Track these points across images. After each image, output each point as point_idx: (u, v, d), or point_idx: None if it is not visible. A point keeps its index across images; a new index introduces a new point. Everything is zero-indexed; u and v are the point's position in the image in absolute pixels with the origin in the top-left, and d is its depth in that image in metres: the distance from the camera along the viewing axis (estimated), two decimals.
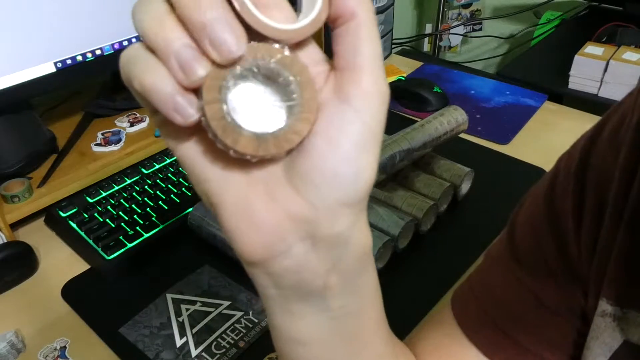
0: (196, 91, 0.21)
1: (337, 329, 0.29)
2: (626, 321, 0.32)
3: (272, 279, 0.26)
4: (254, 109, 0.22)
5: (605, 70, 1.03)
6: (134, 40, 0.82)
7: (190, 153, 0.24)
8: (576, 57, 1.05)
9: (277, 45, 0.22)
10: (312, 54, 0.24)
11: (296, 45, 0.23)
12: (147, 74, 0.21)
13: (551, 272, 0.37)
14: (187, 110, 0.21)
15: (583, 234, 0.35)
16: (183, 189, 0.77)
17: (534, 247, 0.39)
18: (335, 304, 0.28)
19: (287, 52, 0.22)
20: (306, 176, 0.23)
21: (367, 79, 0.23)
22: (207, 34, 0.20)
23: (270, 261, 0.25)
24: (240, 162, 0.23)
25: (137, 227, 0.70)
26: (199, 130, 0.23)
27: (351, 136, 0.23)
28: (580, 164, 0.36)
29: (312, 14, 0.22)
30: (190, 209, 0.71)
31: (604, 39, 1.14)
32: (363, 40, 0.23)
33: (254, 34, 0.21)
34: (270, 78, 0.22)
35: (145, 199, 0.75)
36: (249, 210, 0.24)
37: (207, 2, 0.20)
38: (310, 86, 0.23)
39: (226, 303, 0.61)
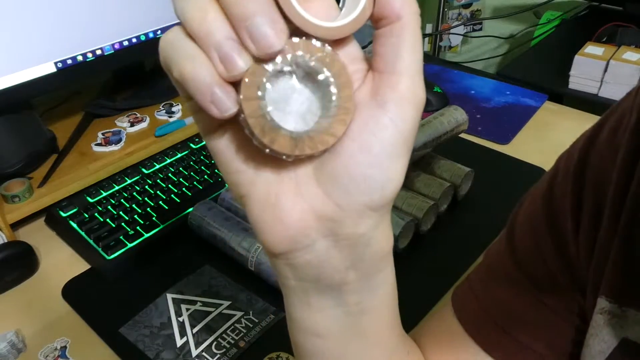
0: (235, 85, 0.21)
1: (352, 324, 0.30)
2: (625, 319, 0.32)
3: (293, 271, 0.27)
4: (291, 106, 0.22)
5: (606, 70, 1.03)
6: (134, 40, 0.82)
7: (222, 144, 0.24)
8: (576, 57, 1.05)
9: (317, 43, 0.21)
10: (351, 51, 0.23)
11: (336, 42, 0.23)
12: (187, 62, 0.21)
13: (550, 271, 0.37)
14: (225, 103, 0.21)
15: (581, 234, 0.35)
16: (183, 189, 0.77)
17: (533, 247, 0.39)
18: (351, 299, 0.28)
19: (327, 50, 0.22)
20: (335, 177, 0.23)
21: (405, 85, 0.22)
22: (247, 27, 0.20)
23: (292, 254, 0.25)
24: (274, 158, 0.23)
25: (138, 227, 0.70)
26: (234, 123, 0.23)
27: (384, 141, 0.23)
28: (579, 164, 0.36)
29: (355, 12, 0.22)
30: (190, 209, 0.71)
31: (604, 39, 1.14)
32: (405, 45, 0.22)
33: (296, 30, 0.21)
34: (309, 76, 0.22)
35: (146, 198, 0.75)
36: (276, 204, 0.24)
37: None
38: (349, 87, 0.22)
39: (226, 303, 0.61)
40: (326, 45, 0.22)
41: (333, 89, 0.22)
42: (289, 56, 0.21)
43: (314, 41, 0.21)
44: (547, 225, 0.38)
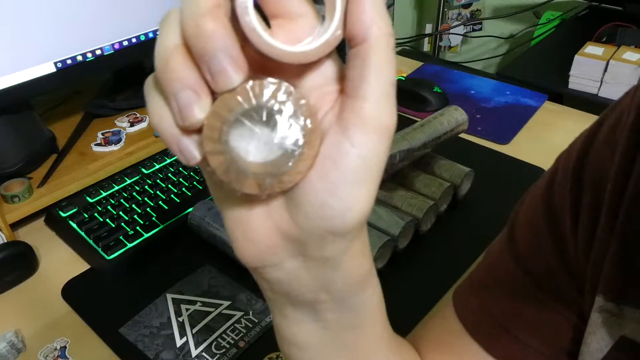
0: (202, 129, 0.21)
1: (333, 339, 0.30)
2: (622, 317, 0.32)
3: (267, 285, 0.27)
4: (256, 146, 0.22)
5: (605, 70, 1.03)
6: (134, 40, 0.82)
7: (203, 169, 0.25)
8: (576, 57, 1.05)
9: (276, 82, 0.21)
10: (325, 72, 0.23)
11: (308, 64, 0.22)
12: (153, 114, 0.21)
13: (550, 270, 0.38)
14: (190, 153, 0.21)
15: (580, 232, 0.35)
16: (183, 189, 0.77)
17: (533, 246, 0.39)
18: (328, 316, 0.28)
19: (288, 88, 0.21)
20: (296, 201, 0.23)
21: (369, 111, 0.21)
22: (207, 63, 0.20)
23: (263, 269, 0.26)
24: None
25: (137, 227, 0.70)
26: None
27: (343, 169, 0.22)
28: (577, 163, 0.36)
29: (325, 35, 0.21)
30: (190, 209, 0.71)
31: (604, 39, 1.14)
32: (372, 68, 0.21)
33: (264, 58, 0.21)
34: (270, 115, 0.21)
35: (146, 199, 0.75)
36: (246, 223, 0.24)
37: (209, 31, 0.19)
38: (314, 125, 0.22)
39: (226, 303, 0.61)
40: (285, 84, 0.21)
41: (296, 127, 0.21)
42: (249, 98, 0.21)
43: (271, 79, 0.21)
44: (546, 223, 0.38)
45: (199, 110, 0.20)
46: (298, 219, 0.23)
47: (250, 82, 0.21)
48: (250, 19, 0.20)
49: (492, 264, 0.43)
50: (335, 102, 0.23)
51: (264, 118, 0.21)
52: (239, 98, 0.20)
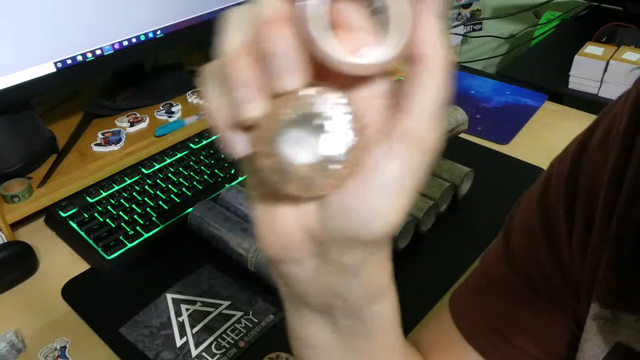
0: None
1: (345, 343, 0.29)
2: (618, 323, 0.32)
3: (283, 280, 0.27)
4: (304, 151, 0.22)
5: (605, 70, 1.03)
6: (134, 40, 0.82)
7: (247, 163, 0.25)
8: (576, 57, 1.05)
9: (331, 92, 0.21)
10: (378, 84, 0.23)
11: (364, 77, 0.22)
12: (210, 102, 0.22)
13: (546, 275, 0.38)
14: (238, 147, 0.22)
15: (574, 238, 0.35)
16: (183, 189, 0.77)
17: (528, 251, 0.39)
18: (342, 322, 0.28)
19: (343, 99, 0.22)
20: (327, 201, 0.23)
21: (414, 126, 0.22)
22: (268, 63, 0.20)
23: (282, 263, 0.26)
24: None
25: (137, 227, 0.70)
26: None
27: (378, 178, 0.22)
28: (571, 168, 0.36)
29: (391, 49, 0.21)
30: (190, 209, 0.71)
31: (604, 39, 1.14)
32: (422, 87, 0.22)
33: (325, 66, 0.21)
34: (322, 125, 0.22)
35: (145, 199, 0.75)
36: (275, 212, 0.24)
37: (276, 35, 0.20)
38: (361, 137, 0.22)
39: (226, 303, 0.61)
40: (340, 94, 0.22)
41: (344, 138, 0.22)
42: (305, 104, 0.21)
43: (328, 89, 0.21)
44: (541, 229, 0.38)
45: (255, 108, 0.21)
46: (325, 219, 0.23)
47: (308, 89, 0.21)
48: (315, 27, 0.20)
49: (488, 268, 0.43)
50: (381, 115, 0.23)
51: (315, 126, 0.22)
52: (294, 103, 0.21)
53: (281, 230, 0.24)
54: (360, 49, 0.22)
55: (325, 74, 0.22)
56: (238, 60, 0.21)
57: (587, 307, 0.34)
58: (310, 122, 0.22)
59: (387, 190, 0.22)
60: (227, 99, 0.21)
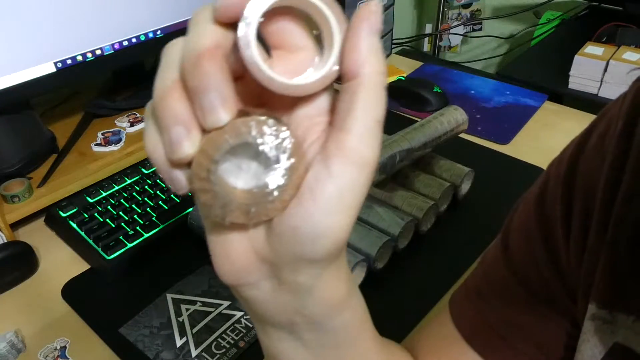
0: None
1: (316, 355, 0.30)
2: (615, 324, 0.32)
3: (243, 302, 0.28)
4: (243, 180, 0.22)
5: (605, 70, 1.03)
6: (134, 40, 0.82)
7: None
8: (576, 57, 1.05)
9: (262, 119, 0.22)
10: (319, 102, 0.23)
11: (304, 97, 0.23)
12: (147, 142, 0.22)
13: (543, 277, 0.38)
14: (179, 184, 0.22)
15: (572, 241, 0.35)
16: None
17: (527, 254, 0.39)
18: (307, 336, 0.29)
19: (275, 124, 0.22)
20: (272, 225, 0.24)
21: (351, 144, 0.22)
22: (198, 100, 0.20)
23: (239, 287, 0.26)
24: None
25: (137, 227, 0.70)
26: None
27: (318, 197, 0.22)
28: (568, 170, 0.36)
29: (324, 69, 0.22)
30: (190, 209, 0.71)
31: (604, 39, 1.14)
32: (359, 103, 0.22)
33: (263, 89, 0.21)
34: (257, 152, 0.22)
35: (146, 198, 0.75)
36: (226, 241, 0.25)
37: (204, 70, 0.20)
38: (298, 159, 0.22)
39: (226, 303, 0.61)
40: (275, 120, 0.22)
41: (281, 162, 0.22)
42: (239, 133, 0.21)
43: (259, 116, 0.22)
44: (539, 231, 0.38)
45: (189, 146, 0.21)
46: (273, 242, 0.24)
47: (239, 119, 0.21)
48: (251, 53, 0.20)
49: (487, 271, 0.43)
50: (323, 133, 0.23)
51: (251, 154, 0.22)
52: (227, 136, 0.21)
53: (233, 257, 0.25)
54: (299, 70, 0.22)
55: (266, 97, 0.22)
56: (168, 98, 0.21)
57: (584, 308, 0.34)
58: (247, 150, 0.22)
59: (329, 209, 0.22)
60: (161, 138, 0.22)
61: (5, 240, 0.69)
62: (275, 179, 0.22)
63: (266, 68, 0.21)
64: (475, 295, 0.43)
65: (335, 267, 0.26)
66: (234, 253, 0.25)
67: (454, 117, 0.76)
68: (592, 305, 0.33)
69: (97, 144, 0.84)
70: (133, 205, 0.73)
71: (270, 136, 0.22)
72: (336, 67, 0.22)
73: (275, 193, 0.22)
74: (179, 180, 0.22)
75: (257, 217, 0.23)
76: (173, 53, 0.22)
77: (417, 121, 0.75)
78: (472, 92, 1.05)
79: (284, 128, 0.22)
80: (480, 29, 1.66)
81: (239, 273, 0.25)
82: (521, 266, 0.40)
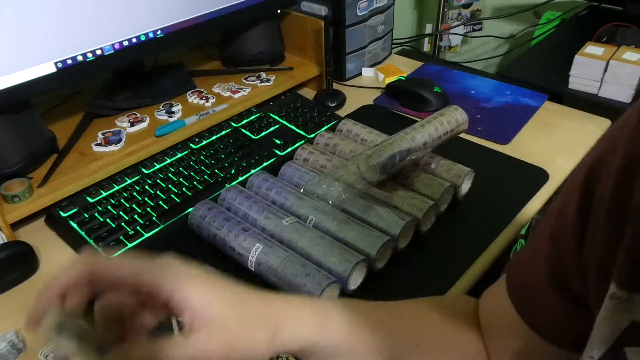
0: None
1: None
2: (632, 303, 0.33)
3: None
4: None
5: (606, 70, 1.03)
6: (134, 40, 0.82)
7: None
8: (576, 57, 1.06)
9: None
10: None
11: None
12: None
13: (574, 257, 0.39)
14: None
15: (591, 222, 0.37)
16: (183, 188, 0.77)
17: (564, 227, 0.40)
18: None
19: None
20: None
21: None
22: None
23: None
24: None
25: (138, 227, 0.70)
26: None
27: None
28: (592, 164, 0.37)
29: None
30: (190, 209, 0.71)
31: (604, 39, 1.14)
32: None
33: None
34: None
35: (146, 198, 0.75)
36: None
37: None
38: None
39: None
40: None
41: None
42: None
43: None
44: (577, 211, 0.39)
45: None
46: None
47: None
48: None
49: (534, 243, 0.46)
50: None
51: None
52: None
53: None
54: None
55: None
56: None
57: (604, 287, 0.35)
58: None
59: None
60: None
61: (6, 240, 0.69)
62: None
63: None
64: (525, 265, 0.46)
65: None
66: None
67: (454, 117, 0.76)
68: (613, 285, 0.34)
69: (97, 144, 0.84)
70: (133, 205, 0.74)
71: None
72: None
73: None
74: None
75: None
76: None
77: (417, 121, 0.75)
78: (473, 92, 1.05)
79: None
80: (481, 29, 1.66)
81: None
82: (558, 241, 0.41)
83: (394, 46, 1.24)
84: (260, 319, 0.39)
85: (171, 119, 0.90)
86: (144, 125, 0.89)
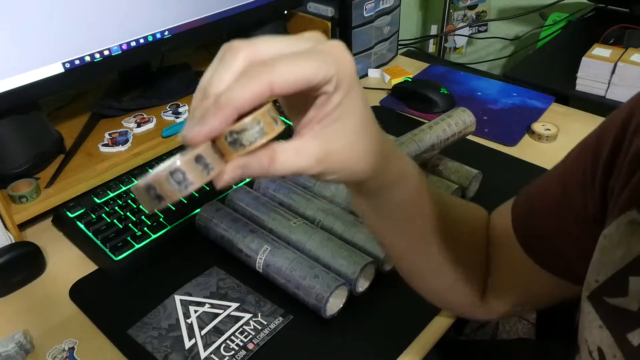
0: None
1: (382, 220, 0.45)
2: None
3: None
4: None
5: (613, 72, 1.02)
6: (142, 41, 0.82)
7: None
8: (584, 58, 1.05)
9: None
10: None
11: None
12: (213, 75, 0.30)
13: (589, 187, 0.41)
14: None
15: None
16: None
17: (579, 164, 0.43)
18: (373, 203, 0.43)
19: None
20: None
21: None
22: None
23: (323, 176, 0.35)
24: None
25: (145, 228, 0.70)
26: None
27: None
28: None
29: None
30: (198, 210, 0.71)
31: (611, 41, 1.14)
32: None
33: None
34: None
35: None
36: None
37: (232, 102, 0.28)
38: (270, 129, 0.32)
39: (235, 305, 0.61)
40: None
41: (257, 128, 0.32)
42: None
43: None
44: (593, 152, 0.42)
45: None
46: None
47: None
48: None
49: (546, 178, 0.50)
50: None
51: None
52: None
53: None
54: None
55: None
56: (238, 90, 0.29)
57: (616, 214, 0.37)
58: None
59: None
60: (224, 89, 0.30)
61: (13, 241, 0.69)
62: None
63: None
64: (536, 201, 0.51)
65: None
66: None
67: (461, 119, 0.76)
68: (634, 211, 0.35)
69: (104, 145, 0.84)
70: (140, 206, 0.73)
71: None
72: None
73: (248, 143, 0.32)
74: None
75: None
76: (234, 60, 0.29)
77: (424, 122, 0.75)
78: (479, 93, 1.04)
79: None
80: (486, 31, 1.65)
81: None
82: (571, 178, 0.44)
83: (399, 47, 1.23)
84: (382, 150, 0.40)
85: (178, 120, 0.90)
86: (150, 126, 0.89)
